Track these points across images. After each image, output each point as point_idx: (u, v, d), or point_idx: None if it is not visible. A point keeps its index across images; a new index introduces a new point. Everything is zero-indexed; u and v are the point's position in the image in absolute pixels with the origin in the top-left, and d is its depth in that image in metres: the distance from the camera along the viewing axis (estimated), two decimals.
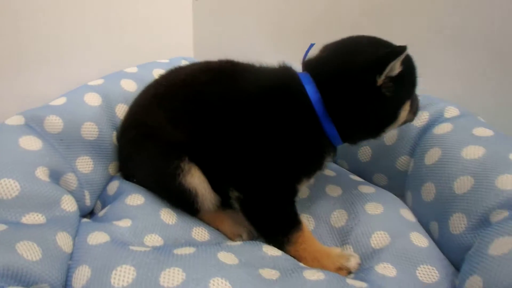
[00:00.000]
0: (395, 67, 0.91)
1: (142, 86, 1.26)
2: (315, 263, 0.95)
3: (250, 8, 1.78)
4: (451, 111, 1.23)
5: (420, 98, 1.25)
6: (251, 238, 1.07)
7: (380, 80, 0.92)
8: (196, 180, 1.02)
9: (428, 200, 1.10)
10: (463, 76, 1.37)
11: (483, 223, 0.93)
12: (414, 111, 1.09)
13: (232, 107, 1.00)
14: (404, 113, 1.02)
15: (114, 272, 0.77)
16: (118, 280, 0.76)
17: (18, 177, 0.89)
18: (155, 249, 0.87)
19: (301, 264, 0.95)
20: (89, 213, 1.16)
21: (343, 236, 1.08)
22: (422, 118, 1.24)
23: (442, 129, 1.17)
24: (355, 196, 1.17)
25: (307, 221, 1.14)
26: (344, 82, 0.95)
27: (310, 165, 1.02)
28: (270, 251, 0.96)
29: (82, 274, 0.79)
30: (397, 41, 0.97)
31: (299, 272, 0.87)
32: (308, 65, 1.02)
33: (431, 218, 1.08)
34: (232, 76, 1.06)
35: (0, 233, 0.79)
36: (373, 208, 1.11)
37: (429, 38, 1.39)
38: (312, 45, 1.05)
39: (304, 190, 1.21)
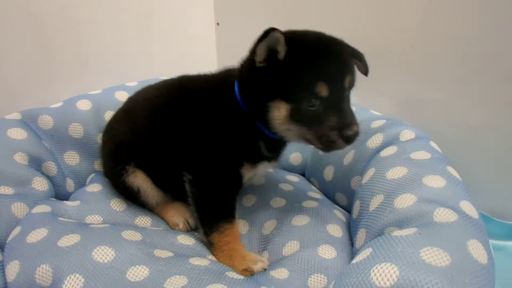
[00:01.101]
0: (273, 47, 0.92)
1: None
2: (227, 260, 1.07)
3: None
4: (407, 135, 1.25)
5: (383, 120, 1.31)
6: (186, 229, 1.23)
7: (258, 61, 0.96)
8: (138, 180, 1.23)
9: (354, 218, 1.15)
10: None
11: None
12: (312, 132, 0.98)
13: (180, 109, 1.18)
14: (277, 112, 0.97)
15: (32, 231, 1.01)
16: (32, 238, 0.99)
17: None
18: (81, 223, 1.09)
19: (208, 255, 1.10)
20: None
21: (265, 243, 1.18)
22: (376, 140, 1.29)
23: (387, 151, 1.21)
24: (293, 208, 1.26)
25: (242, 225, 1.25)
26: (243, 66, 1.07)
27: (244, 148, 1.11)
28: (183, 239, 1.12)
29: (15, 231, 1.04)
30: None
31: (188, 258, 1.01)
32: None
33: (354, 234, 1.13)
34: (180, 86, 1.25)
35: None
36: (299, 220, 1.19)
37: None
38: None
39: (251, 197, 1.33)
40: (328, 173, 1.43)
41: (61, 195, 1.34)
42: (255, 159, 1.14)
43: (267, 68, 0.96)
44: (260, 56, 0.94)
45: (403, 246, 0.80)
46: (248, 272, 1.04)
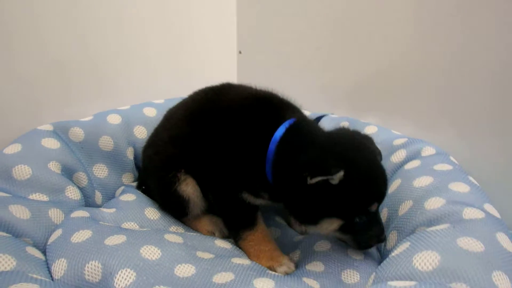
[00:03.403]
0: (332, 178, 0.98)
1: (162, 114, 1.65)
2: (256, 259, 1.18)
3: (293, 62, 2.07)
4: (428, 151, 1.39)
5: (405, 139, 1.45)
6: (223, 236, 1.33)
7: (310, 181, 0.99)
8: (190, 188, 1.32)
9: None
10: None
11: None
12: (356, 239, 1.13)
13: (208, 120, 1.29)
14: (328, 225, 1.07)
15: (76, 233, 1.11)
16: (77, 238, 1.09)
17: (32, 165, 1.27)
18: (119, 227, 1.19)
19: (243, 255, 1.21)
20: None
21: (296, 245, 1.30)
22: (399, 156, 1.43)
23: (411, 164, 1.35)
24: None
25: (274, 231, 1.37)
26: (291, 160, 1.07)
27: (247, 181, 1.19)
28: (221, 243, 1.23)
29: (57, 233, 1.13)
30: None
31: (229, 258, 1.11)
32: (300, 124, 1.17)
33: None
34: (216, 101, 1.35)
35: (3, 197, 1.16)
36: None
37: None
38: (326, 115, 1.25)
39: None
40: None
41: (90, 206, 1.43)
42: (256, 194, 1.21)
43: (317, 187, 1.00)
44: (315, 181, 0.98)
45: (440, 237, 0.92)
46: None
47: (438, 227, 0.97)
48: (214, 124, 1.26)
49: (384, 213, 1.26)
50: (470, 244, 0.87)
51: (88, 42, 1.72)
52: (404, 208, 1.17)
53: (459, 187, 1.12)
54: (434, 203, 1.09)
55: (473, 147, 1.43)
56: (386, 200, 1.28)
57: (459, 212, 1.01)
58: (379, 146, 1.51)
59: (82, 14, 1.68)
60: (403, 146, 1.45)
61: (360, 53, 1.77)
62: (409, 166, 1.35)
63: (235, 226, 1.24)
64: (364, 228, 1.09)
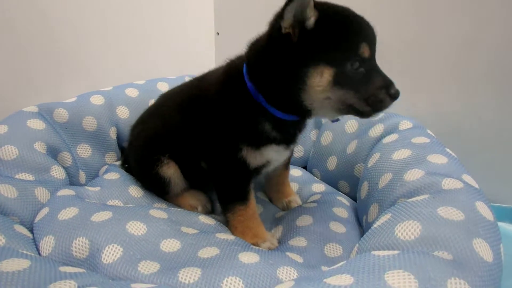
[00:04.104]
0: (301, 13, 0.89)
1: (144, 95, 1.61)
2: (240, 235, 1.14)
3: None
4: (405, 124, 1.37)
5: (382, 114, 1.43)
6: (206, 211, 1.30)
7: (284, 27, 0.92)
8: (171, 171, 1.28)
9: (362, 198, 1.24)
10: None
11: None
12: (358, 95, 0.95)
13: (198, 100, 1.22)
14: (319, 78, 0.93)
15: (63, 210, 1.06)
16: (63, 216, 1.04)
17: (18, 145, 1.22)
18: (105, 205, 1.14)
19: (226, 231, 1.17)
20: None
21: (278, 221, 1.28)
22: (377, 130, 1.40)
23: (389, 138, 1.32)
24: (302, 197, 1.41)
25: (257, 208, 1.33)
26: (258, 42, 1.05)
27: (240, 130, 1.09)
28: (205, 219, 1.19)
29: (44, 211, 1.08)
30: None
31: (214, 233, 1.08)
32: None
33: (363, 212, 1.22)
34: (202, 79, 1.30)
35: None
36: (308, 204, 1.31)
37: None
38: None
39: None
40: (331, 163, 1.53)
41: (74, 185, 1.38)
42: (257, 142, 1.09)
43: (298, 35, 0.92)
44: (287, 21, 0.91)
45: (421, 207, 0.90)
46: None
47: (418, 198, 0.95)
48: (201, 103, 1.20)
49: (364, 187, 1.24)
50: (451, 213, 0.85)
51: (70, 25, 1.67)
52: (384, 180, 1.15)
53: (438, 159, 1.10)
54: (413, 175, 1.06)
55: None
56: (366, 174, 1.27)
57: (438, 182, 0.99)
58: (357, 121, 1.51)
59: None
60: (380, 120, 1.43)
61: None
62: (387, 140, 1.32)
63: (229, 198, 1.18)
64: (364, 79, 0.94)
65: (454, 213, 0.85)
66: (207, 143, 1.18)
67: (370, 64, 0.96)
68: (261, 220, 1.21)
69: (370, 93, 0.94)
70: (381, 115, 1.43)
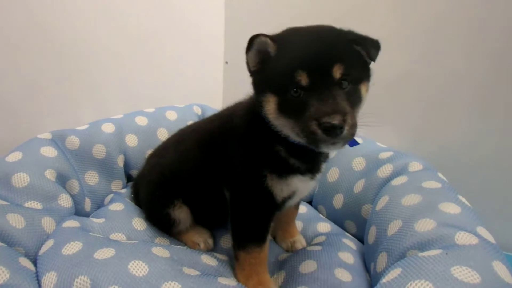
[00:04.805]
0: (263, 51, 0.91)
1: (153, 123, 1.57)
2: (243, 278, 1.07)
3: None
4: (415, 166, 1.30)
5: (391, 152, 1.37)
6: (207, 247, 1.23)
7: (252, 66, 0.95)
8: (183, 214, 1.22)
9: (370, 243, 1.17)
10: None
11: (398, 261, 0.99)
12: (297, 125, 0.88)
13: (221, 135, 1.15)
14: (268, 105, 0.92)
15: (67, 244, 1.00)
16: (67, 250, 0.99)
17: (30, 172, 1.18)
18: (108, 239, 1.08)
19: (231, 276, 1.09)
20: None
21: (281, 265, 1.20)
22: (386, 170, 1.33)
23: (398, 180, 1.25)
24: (306, 238, 1.31)
25: None
26: None
27: (262, 155, 1.03)
28: (207, 259, 1.12)
29: (48, 244, 1.03)
30: None
31: (215, 277, 1.01)
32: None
33: (371, 259, 1.14)
34: (226, 113, 1.22)
35: (1, 206, 1.07)
36: (313, 247, 1.22)
37: None
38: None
39: None
40: (338, 201, 1.46)
41: (79, 213, 1.32)
42: (280, 170, 1.02)
43: (260, 69, 0.94)
44: (252, 63, 0.94)
45: (433, 264, 0.83)
46: None
47: (430, 253, 0.88)
48: (225, 131, 1.14)
49: (372, 231, 1.16)
50: (466, 274, 0.78)
51: (85, 52, 1.64)
52: (393, 228, 1.07)
53: (450, 208, 1.03)
54: (424, 225, 0.99)
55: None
56: (374, 217, 1.20)
57: (452, 236, 0.92)
58: (365, 159, 1.45)
59: (74, 23, 1.59)
60: (389, 160, 1.36)
61: None
62: (396, 182, 1.25)
63: (246, 236, 1.08)
64: (302, 107, 0.85)
65: (469, 275, 0.78)
66: (231, 174, 1.10)
67: (316, 92, 0.85)
68: None
69: (304, 123, 0.85)
70: (333, 154, 1.37)
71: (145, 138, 1.54)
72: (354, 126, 0.85)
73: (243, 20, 2.08)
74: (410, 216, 1.06)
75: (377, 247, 1.11)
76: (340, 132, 0.82)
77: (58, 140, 1.35)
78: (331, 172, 1.53)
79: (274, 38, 0.91)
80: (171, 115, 1.68)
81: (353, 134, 0.86)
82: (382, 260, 1.05)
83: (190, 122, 1.55)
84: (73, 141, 1.38)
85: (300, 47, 0.89)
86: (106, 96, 1.73)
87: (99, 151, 1.42)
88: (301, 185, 1.06)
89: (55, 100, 1.57)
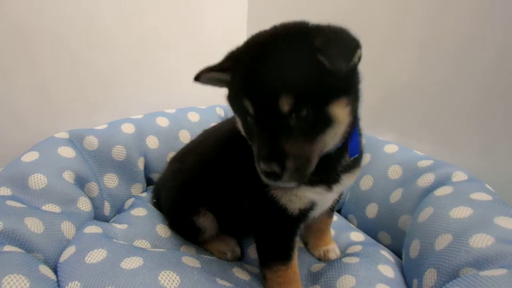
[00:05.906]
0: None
1: (174, 125, 1.51)
2: None
3: None
4: (459, 176, 1.23)
5: (430, 161, 1.30)
6: (234, 256, 1.17)
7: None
8: (207, 222, 1.17)
9: (413, 257, 1.10)
10: None
11: (451, 279, 0.92)
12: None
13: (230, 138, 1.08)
14: (239, 125, 0.91)
15: (90, 252, 0.95)
16: (91, 259, 0.93)
17: (47, 174, 1.12)
18: (134, 247, 1.01)
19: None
20: None
21: (315, 278, 1.12)
22: (427, 180, 1.26)
23: (442, 191, 1.18)
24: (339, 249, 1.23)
25: None
26: None
27: None
28: (239, 273, 1.05)
29: (70, 251, 0.97)
30: None
31: None
32: None
33: (414, 275, 1.07)
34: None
35: (18, 209, 1.01)
36: (349, 259, 1.14)
37: None
38: None
39: None
40: (371, 210, 1.39)
41: (98, 218, 1.26)
42: None
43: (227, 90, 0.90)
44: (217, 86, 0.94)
45: (499, 286, 0.76)
46: None
47: (493, 272, 0.81)
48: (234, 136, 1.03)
49: (415, 245, 1.09)
50: None
51: (105, 52, 1.59)
52: (442, 242, 1.00)
53: (507, 223, 0.96)
54: (481, 241, 0.92)
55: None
56: (416, 230, 1.13)
57: None
58: (401, 167, 1.37)
59: (94, 24, 1.54)
60: (429, 169, 1.29)
61: (374, 70, 1.61)
62: (440, 192, 1.18)
63: (268, 254, 1.01)
64: (254, 138, 0.80)
65: None
66: (243, 183, 1.05)
67: (260, 125, 0.78)
68: None
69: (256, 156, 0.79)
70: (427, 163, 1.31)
71: (167, 140, 1.48)
72: (302, 167, 0.75)
73: (265, 25, 2.03)
74: (462, 230, 0.99)
75: (422, 262, 1.04)
76: (279, 178, 0.74)
77: (75, 140, 1.30)
78: (364, 180, 1.46)
79: (224, 65, 0.87)
80: (193, 117, 1.63)
81: (305, 173, 0.76)
82: (430, 276, 0.98)
83: (212, 124, 1.49)
84: (92, 142, 1.32)
85: (247, 70, 0.79)
86: (126, 97, 1.67)
87: (119, 152, 1.36)
88: (315, 196, 0.96)
89: (70, 103, 1.52)
